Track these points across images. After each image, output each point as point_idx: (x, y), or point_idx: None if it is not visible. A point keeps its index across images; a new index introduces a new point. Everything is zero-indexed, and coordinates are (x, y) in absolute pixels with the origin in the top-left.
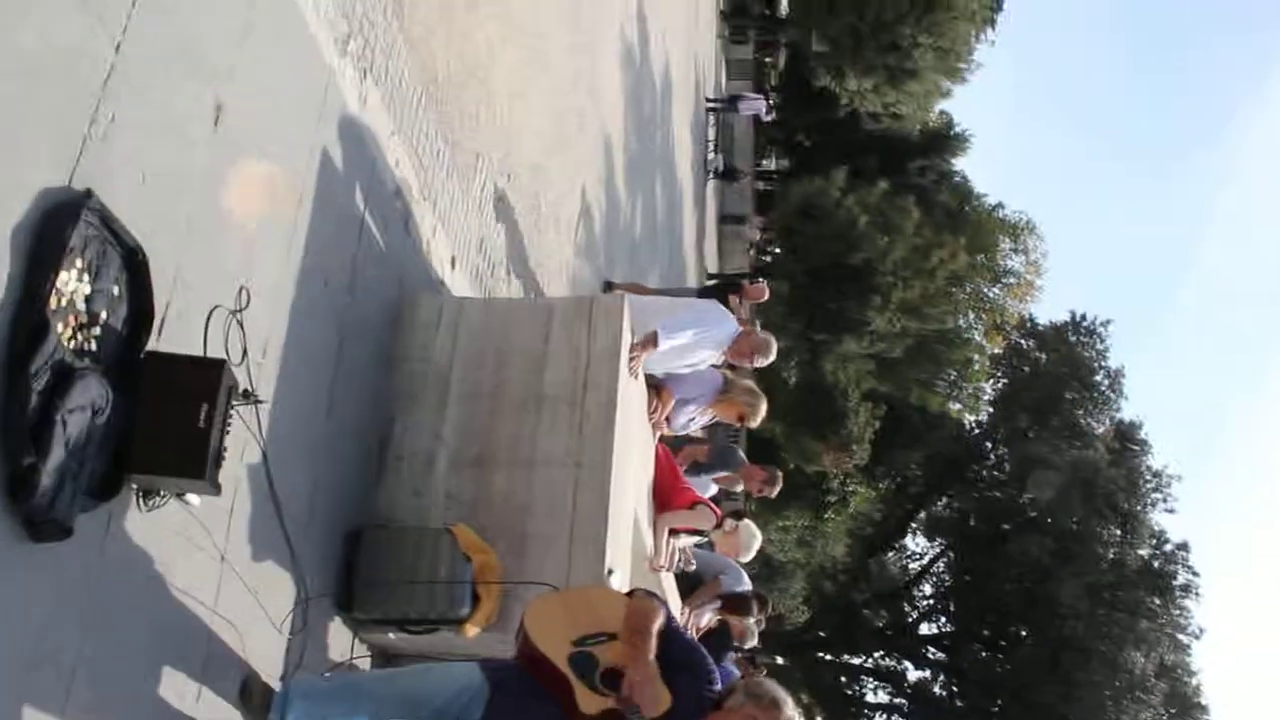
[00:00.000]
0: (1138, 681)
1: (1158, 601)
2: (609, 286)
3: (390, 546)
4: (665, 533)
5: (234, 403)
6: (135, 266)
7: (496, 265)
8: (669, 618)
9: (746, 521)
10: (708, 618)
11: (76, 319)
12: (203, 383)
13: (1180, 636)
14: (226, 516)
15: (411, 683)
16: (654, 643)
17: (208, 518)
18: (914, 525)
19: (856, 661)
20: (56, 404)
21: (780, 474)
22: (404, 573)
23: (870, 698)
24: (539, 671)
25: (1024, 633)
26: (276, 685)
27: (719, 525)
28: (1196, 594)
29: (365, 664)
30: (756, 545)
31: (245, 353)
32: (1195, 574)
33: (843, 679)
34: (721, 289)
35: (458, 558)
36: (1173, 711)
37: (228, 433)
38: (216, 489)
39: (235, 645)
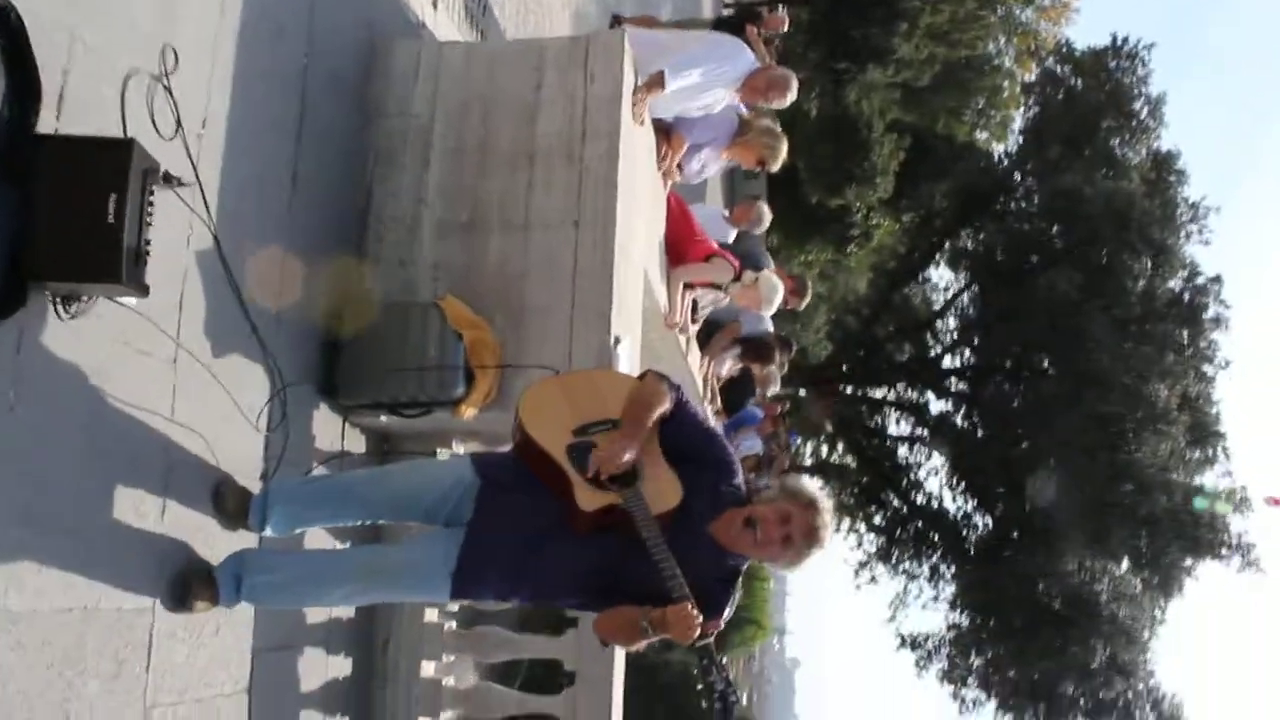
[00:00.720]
0: (1160, 414)
1: (1186, 334)
2: (616, 21)
3: (374, 322)
4: (680, 288)
5: (153, 188)
6: (9, 25)
7: (489, 2)
8: (681, 403)
9: (767, 272)
10: (728, 365)
11: None
12: (108, 168)
13: (1206, 368)
14: (176, 312)
15: (399, 482)
16: (646, 425)
17: (153, 317)
18: (938, 258)
19: (879, 394)
20: None
21: (809, 283)
22: (390, 353)
23: (892, 429)
24: (536, 465)
25: (1047, 366)
26: (256, 487)
27: (737, 278)
28: (1226, 326)
29: (361, 446)
30: (779, 298)
31: (179, 125)
32: (1226, 306)
33: (866, 413)
34: (738, 20)
35: (447, 335)
36: (1191, 441)
37: (150, 223)
38: (142, 290)
39: (202, 451)
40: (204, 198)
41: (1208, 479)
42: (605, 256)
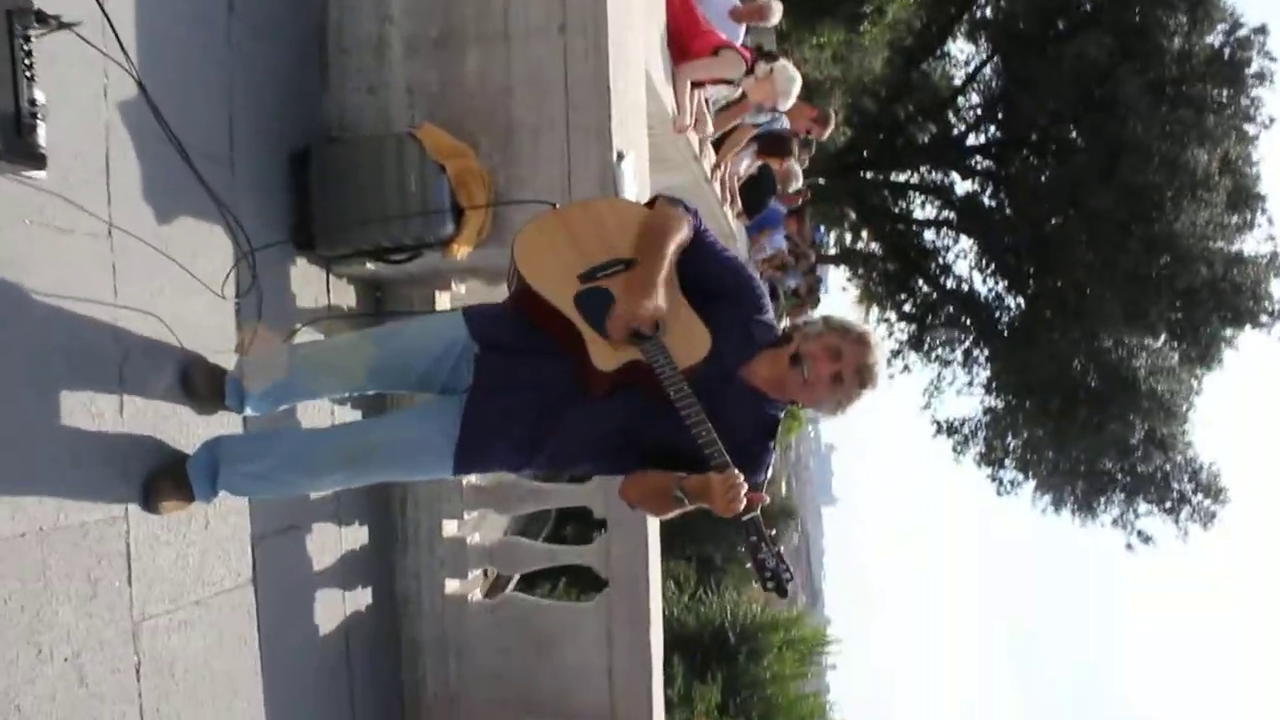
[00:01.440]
0: (1200, 181)
1: (1226, 93)
2: None
3: (346, 163)
4: (687, 86)
5: (27, 32)
6: None
7: None
8: (700, 230)
9: (783, 63)
10: (746, 164)
11: None
12: None
13: (1247, 128)
14: (102, 179)
15: (383, 349)
16: (667, 260)
17: (73, 188)
18: (957, 31)
19: (902, 178)
20: None
21: (831, 112)
22: (368, 195)
23: (918, 213)
24: (540, 318)
25: (1077, 137)
26: (231, 363)
27: (750, 71)
28: (1271, 81)
29: (351, 298)
30: (796, 89)
31: None
32: (1271, 59)
33: (889, 198)
34: None
35: (428, 168)
36: (1230, 206)
37: (32, 77)
38: (35, 160)
39: (160, 333)
40: (117, 36)
41: (1248, 244)
42: (599, 63)
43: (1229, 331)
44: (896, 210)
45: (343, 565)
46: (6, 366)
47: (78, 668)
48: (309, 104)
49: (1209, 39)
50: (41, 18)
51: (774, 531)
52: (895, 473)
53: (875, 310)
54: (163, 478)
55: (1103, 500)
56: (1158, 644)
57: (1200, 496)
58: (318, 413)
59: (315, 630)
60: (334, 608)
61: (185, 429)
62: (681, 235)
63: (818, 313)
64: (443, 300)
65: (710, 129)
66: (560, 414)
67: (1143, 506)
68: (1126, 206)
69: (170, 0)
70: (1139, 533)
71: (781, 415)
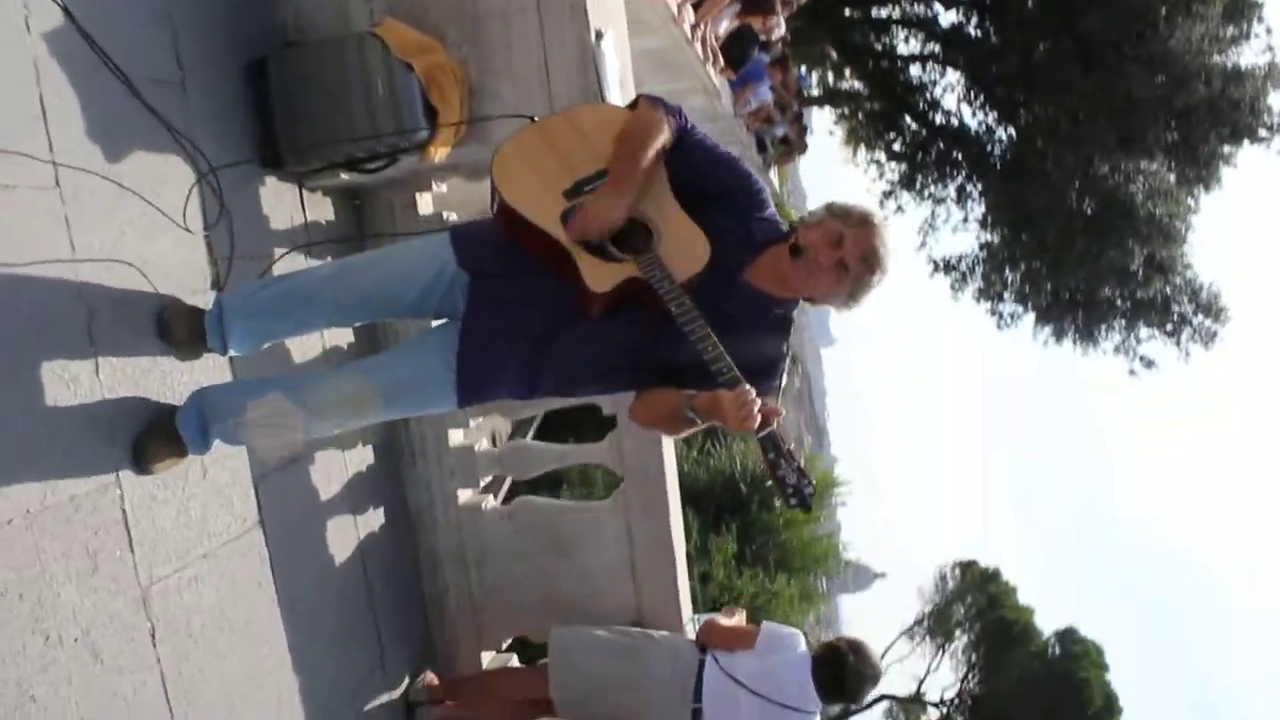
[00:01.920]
0: None
1: None
2: None
3: (306, 69)
4: None
5: None
6: None
7: None
8: (685, 129)
9: None
10: (726, 24)
11: None
12: None
13: None
14: (39, 125)
15: (368, 279)
16: (642, 166)
17: (6, 138)
18: None
19: (884, 13)
20: None
21: None
22: (333, 103)
23: (902, 49)
24: (528, 238)
25: None
26: (208, 303)
27: None
28: None
29: (328, 212)
30: None
31: None
32: None
33: (872, 35)
34: None
35: (395, 68)
36: (1228, 21)
37: None
38: None
39: (128, 281)
40: None
41: (1245, 56)
42: None
43: (1228, 149)
44: (879, 47)
45: (350, 489)
46: None
47: (90, 645)
48: (259, 9)
49: None
50: None
51: (792, 445)
52: (894, 311)
53: (863, 151)
54: (152, 436)
55: (1104, 327)
56: (1158, 473)
57: (1201, 317)
58: (308, 343)
59: (331, 560)
60: (347, 533)
61: (169, 380)
62: (661, 137)
63: (805, 158)
64: (424, 202)
65: None
66: (559, 338)
67: (1144, 331)
68: (1118, 26)
69: None
70: (1141, 357)
71: (793, 315)
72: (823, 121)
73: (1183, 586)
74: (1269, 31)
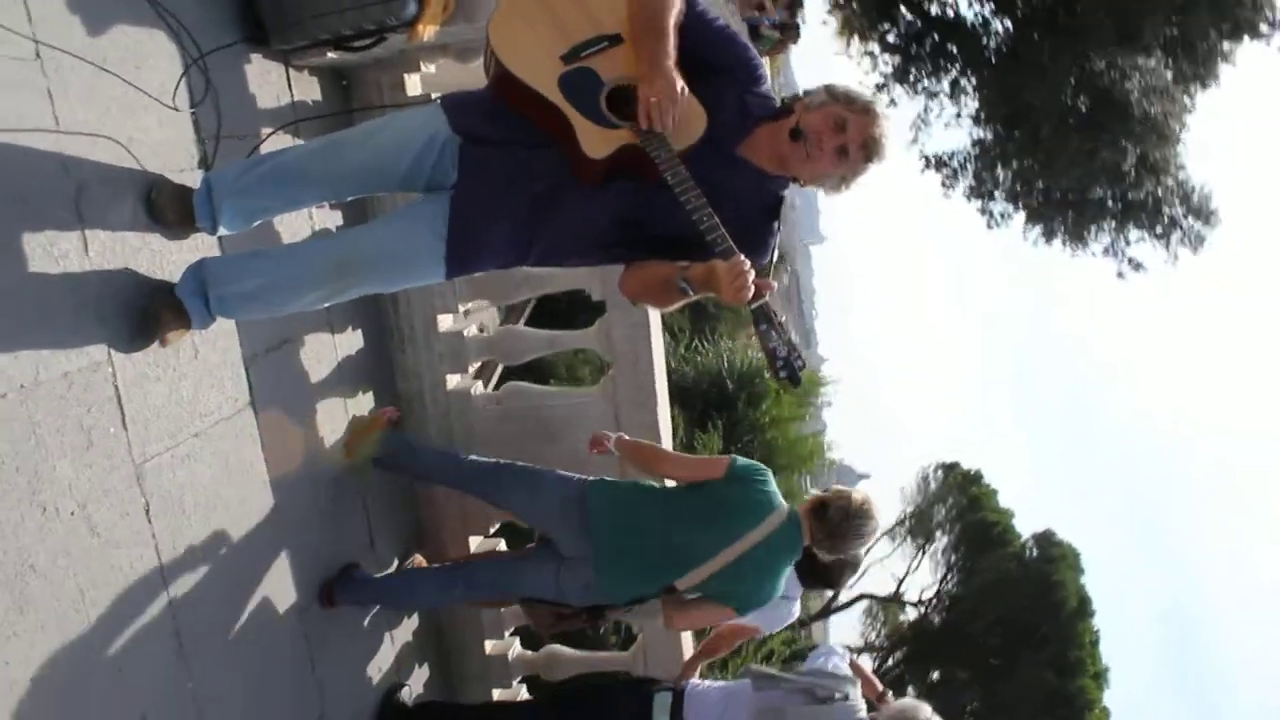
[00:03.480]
0: None
1: None
2: None
3: None
4: None
5: None
6: None
7: None
8: (690, 2)
9: None
10: None
11: None
12: None
13: None
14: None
15: (360, 152)
16: (670, 38)
17: None
18: None
19: None
20: None
21: None
22: None
23: None
24: (523, 104)
25: None
26: (197, 180)
27: None
28: None
29: (315, 91)
30: None
31: None
32: None
33: None
34: None
35: None
36: None
37: None
38: None
39: (115, 157)
40: None
41: None
42: None
43: (1227, 45)
44: None
45: (340, 373)
46: None
47: (86, 519)
48: None
49: None
50: None
51: (784, 318)
52: (885, 208)
53: (857, 42)
54: (160, 308)
55: (1094, 229)
56: (1145, 374)
57: (1191, 220)
58: (296, 221)
59: (320, 443)
60: (337, 416)
61: (158, 258)
62: (677, 8)
63: (797, 47)
64: (412, 83)
65: None
66: (552, 205)
67: (1133, 233)
68: None
69: None
70: (1130, 259)
71: (784, 192)
72: (816, 9)
73: (1163, 488)
74: None
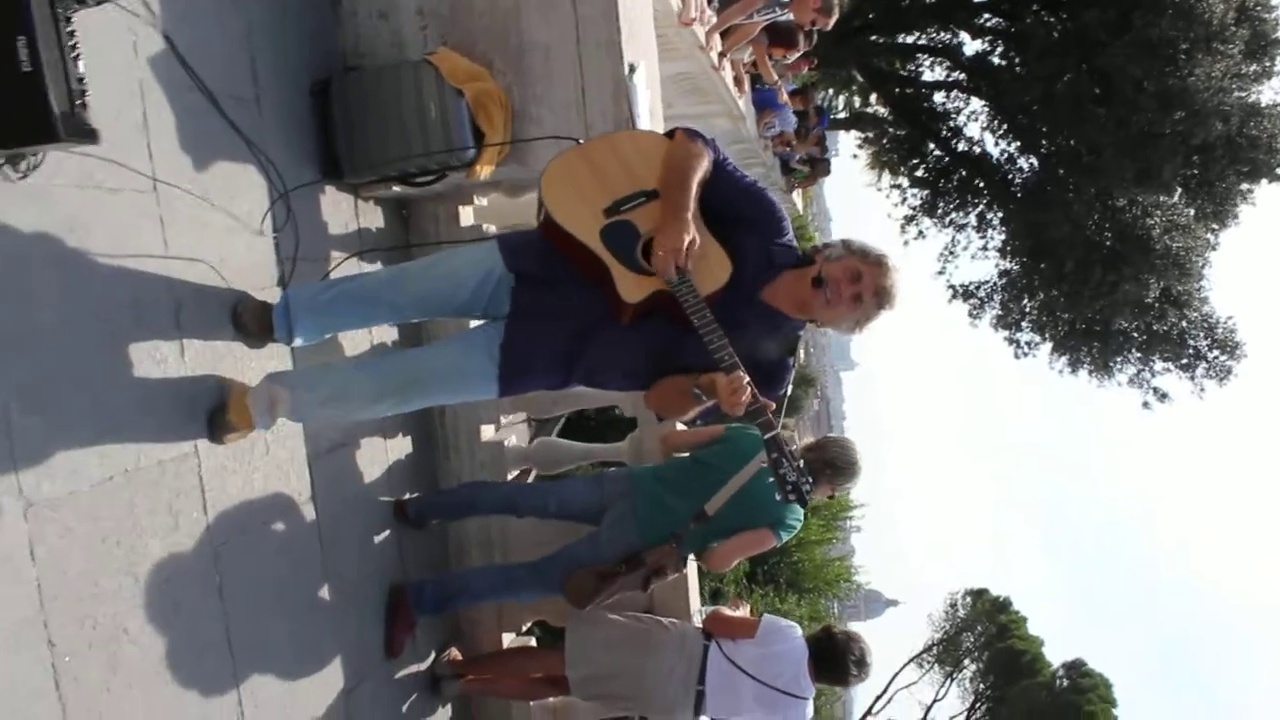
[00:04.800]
0: (1214, 32)
1: None
2: None
3: (365, 92)
4: None
5: (67, 13)
6: None
7: None
8: (719, 161)
9: None
10: (749, 55)
11: None
12: (3, 7)
13: None
14: (142, 135)
15: (424, 282)
16: (692, 194)
17: (117, 149)
18: None
19: (910, 40)
20: None
21: (834, 1)
22: (389, 123)
23: (927, 75)
24: (570, 249)
25: None
26: (276, 295)
27: None
28: None
29: (379, 219)
30: None
31: None
32: None
33: (896, 61)
34: None
35: (446, 93)
36: (1247, 54)
37: (77, 54)
38: (88, 135)
39: (209, 277)
40: None
41: (1265, 94)
42: None
43: (1245, 186)
44: (904, 73)
45: (391, 475)
46: (81, 328)
47: (171, 593)
48: (325, 34)
49: None
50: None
51: (795, 448)
52: (915, 337)
53: (887, 176)
54: (228, 408)
55: (1119, 359)
56: (1175, 505)
57: (1216, 352)
58: (357, 334)
59: (371, 539)
60: (386, 516)
61: (240, 364)
62: (703, 168)
63: (829, 179)
64: (466, 214)
65: (714, 20)
66: (592, 339)
67: (1159, 364)
68: (1139, 62)
69: None
70: (1155, 390)
71: (801, 332)
72: (848, 143)
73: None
74: None
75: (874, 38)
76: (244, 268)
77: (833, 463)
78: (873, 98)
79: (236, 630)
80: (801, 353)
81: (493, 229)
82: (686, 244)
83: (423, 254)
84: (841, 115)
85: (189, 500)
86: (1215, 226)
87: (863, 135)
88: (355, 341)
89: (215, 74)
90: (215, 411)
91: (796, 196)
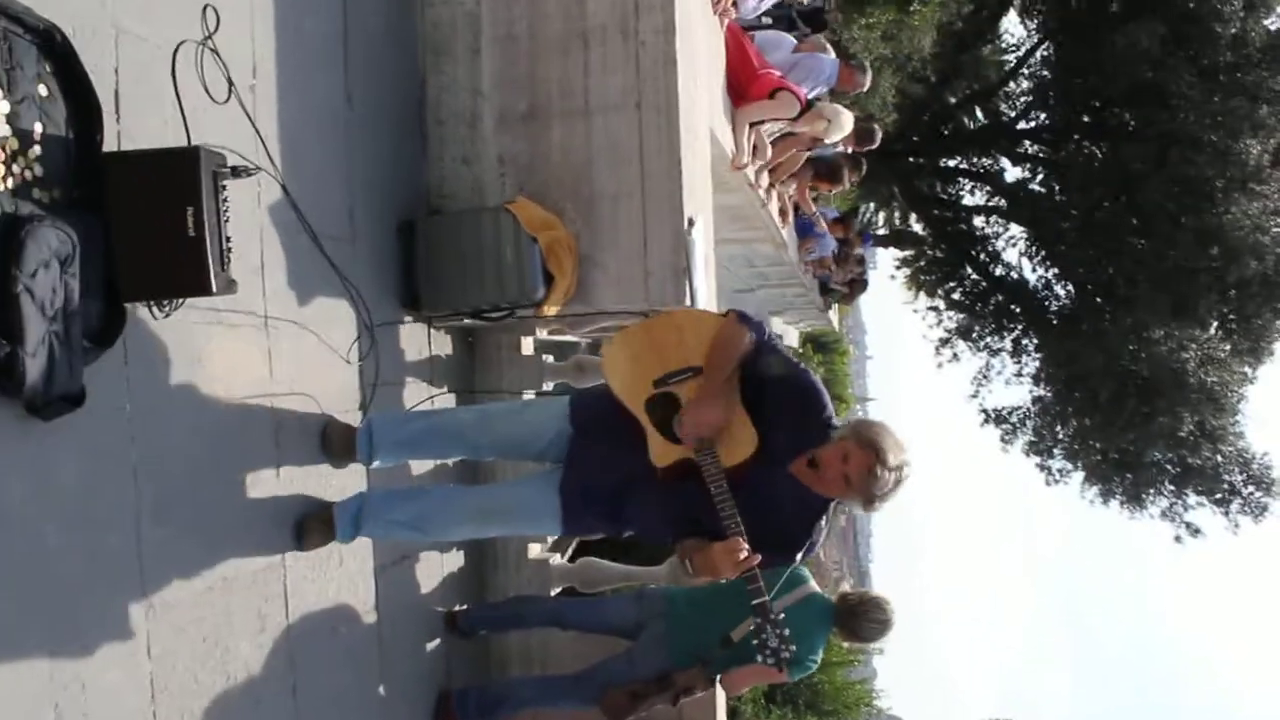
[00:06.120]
0: (1251, 173)
1: None
2: None
3: (448, 234)
4: (745, 129)
5: (224, 184)
6: (57, 49)
7: None
8: (765, 341)
9: (835, 106)
10: (796, 186)
11: (4, 150)
12: (179, 181)
13: None
14: (258, 276)
15: (504, 430)
16: (726, 375)
17: (240, 288)
18: (1009, 12)
19: (952, 164)
20: (13, 274)
21: (868, 65)
22: (468, 263)
23: (967, 199)
24: (623, 412)
25: (1130, 124)
26: (357, 418)
27: (804, 111)
28: None
29: (448, 346)
30: (848, 126)
31: (231, 84)
32: None
33: (938, 184)
34: None
35: (523, 239)
36: None
37: (228, 219)
38: (231, 287)
39: (304, 403)
40: (266, 151)
41: None
42: (671, 138)
43: None
44: (945, 197)
45: (446, 585)
46: (196, 449)
47: (253, 690)
48: (412, 176)
49: (1266, 22)
50: (235, 171)
51: (780, 615)
52: (945, 460)
53: (924, 297)
54: (313, 520)
55: (1151, 491)
56: (1210, 641)
57: (1251, 488)
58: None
59: (424, 649)
60: (437, 625)
61: (324, 482)
62: (743, 350)
63: (867, 295)
64: (526, 344)
65: (768, 156)
66: (631, 496)
67: (1192, 498)
68: (1176, 198)
69: (301, 106)
70: (1187, 524)
71: (833, 503)
72: (886, 260)
73: None
74: None
75: (916, 160)
76: (332, 392)
77: (862, 621)
78: (913, 217)
79: None
80: (830, 519)
81: (550, 359)
82: (712, 423)
83: (486, 388)
84: (882, 232)
85: (274, 606)
86: (1251, 361)
87: (901, 255)
88: (420, 464)
89: (319, 216)
90: (302, 522)
91: (833, 313)
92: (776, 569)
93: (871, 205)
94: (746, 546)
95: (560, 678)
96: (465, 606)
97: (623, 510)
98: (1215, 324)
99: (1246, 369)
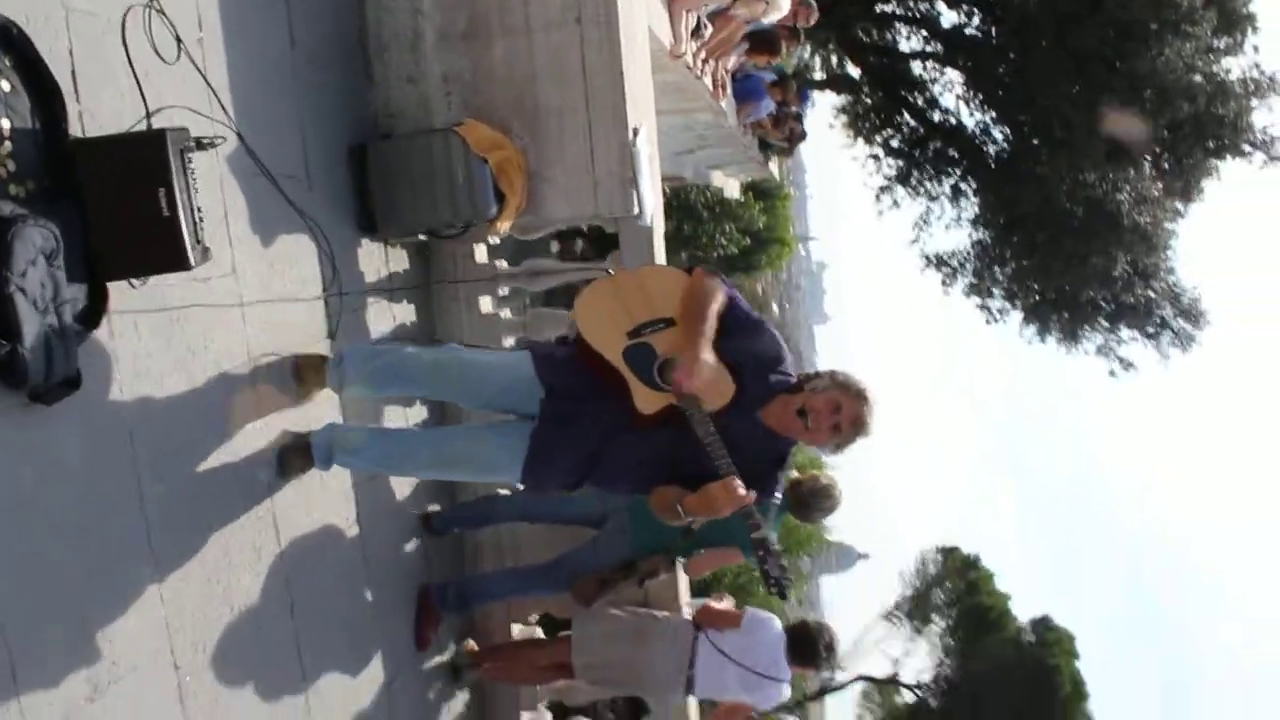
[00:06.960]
0: (1184, 14)
1: None
2: None
3: (398, 159)
4: (683, 15)
5: (190, 159)
6: (15, 43)
7: None
8: (732, 298)
9: None
10: (734, 61)
11: None
12: (149, 164)
13: None
14: (223, 225)
15: (458, 380)
16: (711, 325)
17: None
18: None
19: (887, 9)
20: (4, 277)
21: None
22: (419, 186)
23: (903, 45)
24: (597, 365)
25: None
26: (326, 346)
27: None
28: None
29: (404, 262)
30: (786, 7)
31: (179, 41)
32: None
33: (874, 29)
34: None
35: (473, 161)
36: (1217, 30)
37: (196, 190)
38: (207, 255)
39: (274, 342)
40: (220, 102)
41: (1234, 69)
42: (612, 52)
43: (1212, 162)
44: (881, 43)
45: (416, 493)
46: (185, 405)
47: (255, 617)
48: (360, 103)
49: None
50: (200, 144)
51: (780, 547)
52: (887, 295)
53: (863, 144)
54: (291, 452)
55: (1087, 328)
56: (1142, 461)
57: (1181, 321)
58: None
59: (403, 550)
60: (414, 527)
61: (303, 413)
62: (719, 303)
63: (803, 147)
64: (480, 252)
65: (703, 40)
66: (612, 441)
67: (1125, 333)
68: (1109, 42)
69: (248, 53)
70: (1121, 359)
71: (791, 449)
72: (825, 104)
73: (1161, 567)
74: (1255, 49)
75: (850, 7)
76: (301, 325)
77: (814, 510)
78: (849, 61)
79: (304, 641)
80: (791, 461)
81: (507, 313)
82: (705, 366)
83: (443, 291)
84: (819, 76)
85: (267, 538)
86: (1183, 200)
87: (840, 100)
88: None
89: (274, 158)
90: (281, 454)
91: (773, 164)
92: (761, 505)
93: (808, 48)
94: (741, 484)
95: (530, 568)
96: (438, 508)
97: (594, 462)
98: (1149, 165)
99: (1179, 206)
